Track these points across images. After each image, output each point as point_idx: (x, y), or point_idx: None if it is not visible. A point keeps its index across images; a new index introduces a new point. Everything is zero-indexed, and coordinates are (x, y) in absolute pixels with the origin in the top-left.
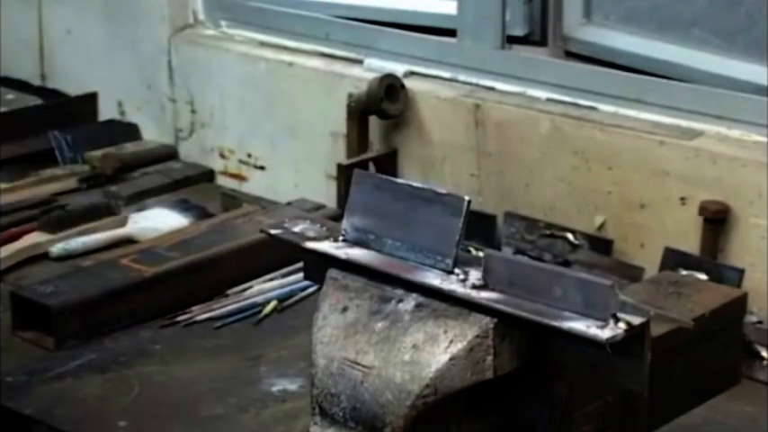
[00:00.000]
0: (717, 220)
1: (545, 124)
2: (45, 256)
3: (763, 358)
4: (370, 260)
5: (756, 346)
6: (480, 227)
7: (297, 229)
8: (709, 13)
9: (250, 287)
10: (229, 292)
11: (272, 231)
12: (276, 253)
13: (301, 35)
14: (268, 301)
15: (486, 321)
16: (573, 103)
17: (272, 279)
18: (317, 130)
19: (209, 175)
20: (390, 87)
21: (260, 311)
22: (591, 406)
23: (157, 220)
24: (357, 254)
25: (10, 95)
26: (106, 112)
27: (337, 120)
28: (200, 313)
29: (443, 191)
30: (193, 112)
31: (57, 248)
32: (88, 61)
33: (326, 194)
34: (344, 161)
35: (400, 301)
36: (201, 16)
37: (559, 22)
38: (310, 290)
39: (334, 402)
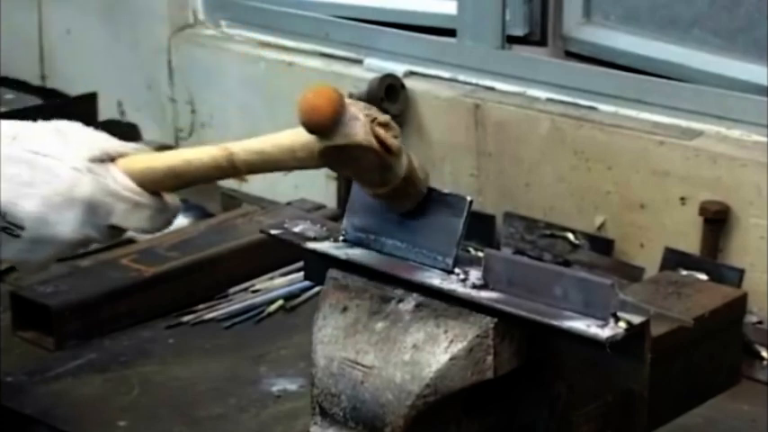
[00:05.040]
0: (717, 220)
1: (545, 124)
2: None
3: (763, 358)
4: (371, 260)
5: (756, 346)
6: (479, 227)
7: (297, 230)
8: (710, 13)
9: (253, 285)
10: (232, 290)
11: (272, 231)
12: (276, 253)
13: (301, 35)
14: (273, 301)
15: (487, 321)
16: (573, 103)
17: (272, 278)
18: None
19: None
20: (390, 87)
21: (263, 311)
22: (591, 406)
23: None
24: (357, 254)
25: (10, 95)
26: (106, 112)
27: None
28: (207, 312)
29: (445, 190)
30: (193, 112)
31: None
32: (88, 61)
33: (326, 194)
34: None
35: (400, 301)
36: (201, 16)
37: (559, 22)
38: (316, 289)
39: (335, 402)
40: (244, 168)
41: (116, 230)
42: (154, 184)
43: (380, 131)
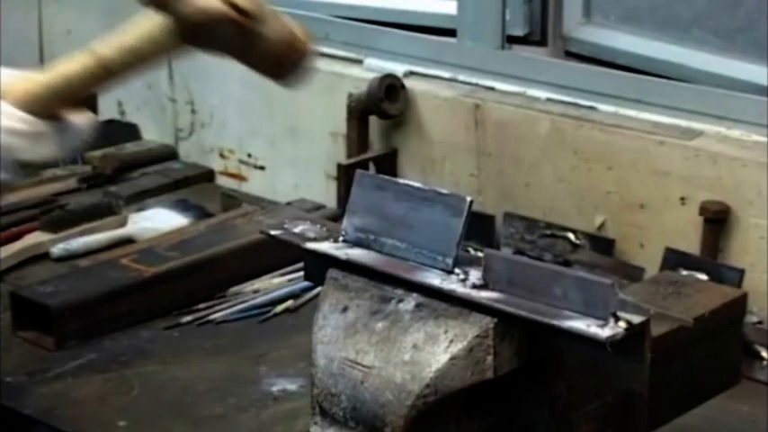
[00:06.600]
0: (717, 220)
1: (545, 124)
2: (45, 256)
3: (763, 358)
4: (371, 260)
5: (756, 346)
6: (479, 227)
7: (297, 230)
8: (709, 13)
9: (253, 285)
10: (232, 290)
11: (272, 232)
12: (276, 253)
13: None
14: (274, 301)
15: (487, 321)
16: (573, 103)
17: (272, 278)
18: (316, 130)
19: (208, 175)
20: (390, 87)
21: (268, 311)
22: (591, 406)
23: (157, 220)
24: (357, 254)
25: None
26: (106, 112)
27: (337, 120)
28: (207, 312)
29: (445, 191)
30: (193, 112)
31: (58, 249)
32: None
33: (326, 194)
34: (344, 161)
35: (400, 301)
36: None
37: (559, 22)
38: (317, 290)
39: (335, 402)
40: (118, 69)
41: (28, 166)
42: (42, 108)
43: None
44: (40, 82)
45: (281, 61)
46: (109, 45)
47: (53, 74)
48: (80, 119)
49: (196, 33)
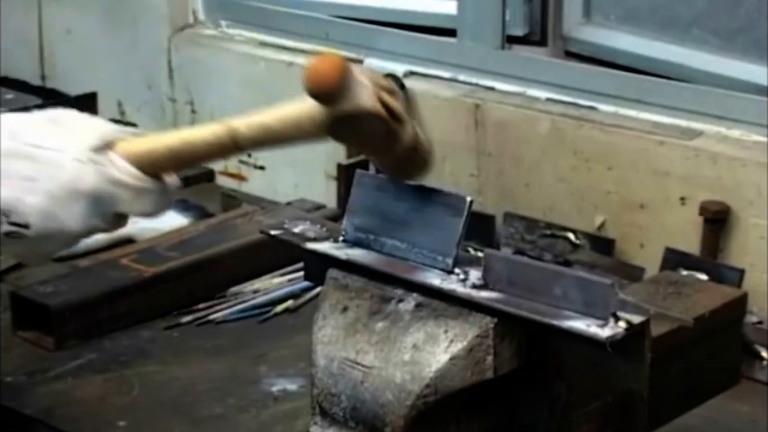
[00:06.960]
0: (717, 220)
1: (545, 124)
2: None
3: (763, 358)
4: (371, 260)
5: (756, 346)
6: (479, 227)
7: (297, 230)
8: (709, 13)
9: (253, 285)
10: (232, 290)
11: (272, 232)
12: (276, 253)
13: (301, 35)
14: (274, 301)
15: (487, 321)
16: (573, 103)
17: (272, 278)
18: None
19: (208, 175)
20: None
21: (268, 311)
22: (591, 406)
23: (157, 220)
24: (357, 254)
25: (9, 95)
26: (106, 112)
27: None
28: (207, 312)
29: (445, 191)
30: (193, 112)
31: None
32: (88, 61)
33: (326, 194)
34: (344, 161)
35: (400, 300)
36: (201, 16)
37: (559, 22)
38: (317, 290)
39: (335, 402)
40: (247, 145)
41: (121, 217)
42: (155, 168)
43: (385, 97)
44: (163, 142)
45: (406, 163)
46: (245, 121)
47: (176, 137)
48: (171, 181)
49: (346, 127)
